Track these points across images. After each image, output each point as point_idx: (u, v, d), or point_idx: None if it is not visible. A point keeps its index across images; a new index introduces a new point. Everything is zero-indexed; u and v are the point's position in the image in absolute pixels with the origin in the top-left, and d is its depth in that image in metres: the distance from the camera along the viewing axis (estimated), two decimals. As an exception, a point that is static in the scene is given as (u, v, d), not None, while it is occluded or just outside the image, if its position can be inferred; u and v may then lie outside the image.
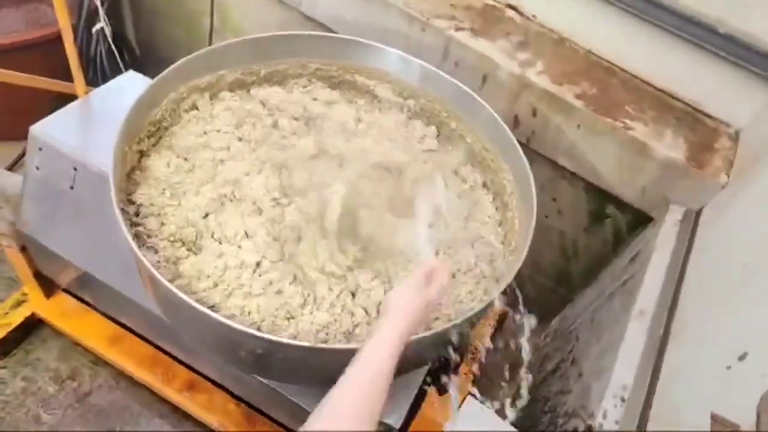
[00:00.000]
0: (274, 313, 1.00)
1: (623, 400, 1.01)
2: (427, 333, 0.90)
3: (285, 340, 0.87)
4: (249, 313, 0.99)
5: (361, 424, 0.68)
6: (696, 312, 1.11)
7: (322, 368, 0.95)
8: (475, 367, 1.40)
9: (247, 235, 1.09)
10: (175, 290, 0.87)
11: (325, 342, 0.97)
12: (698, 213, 1.44)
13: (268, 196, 1.14)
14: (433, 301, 0.86)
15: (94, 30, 2.02)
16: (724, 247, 1.23)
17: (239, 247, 1.07)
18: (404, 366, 1.09)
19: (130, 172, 1.13)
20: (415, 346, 0.94)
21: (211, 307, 0.97)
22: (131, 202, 1.11)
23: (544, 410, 1.38)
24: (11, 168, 2.15)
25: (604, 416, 1.01)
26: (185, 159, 1.20)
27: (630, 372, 1.06)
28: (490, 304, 1.00)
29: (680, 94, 1.61)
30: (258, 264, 1.06)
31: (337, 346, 0.93)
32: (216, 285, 1.02)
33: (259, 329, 0.95)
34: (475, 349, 1.45)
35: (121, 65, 2.16)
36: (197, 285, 1.01)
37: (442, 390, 1.34)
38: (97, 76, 2.19)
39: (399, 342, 0.78)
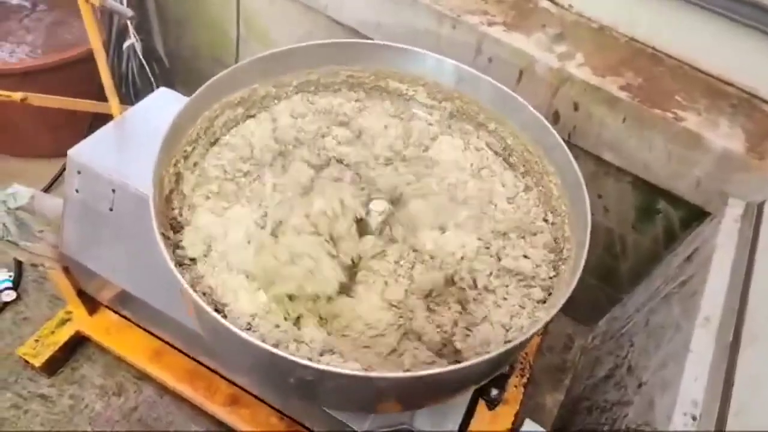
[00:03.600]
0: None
1: (694, 418, 0.94)
2: (481, 359, 0.85)
3: (334, 369, 0.83)
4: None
5: None
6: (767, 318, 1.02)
7: (371, 395, 0.92)
8: (525, 379, 1.35)
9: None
10: (220, 318, 0.85)
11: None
12: (760, 207, 1.34)
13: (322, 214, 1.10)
14: None
15: (124, 46, 2.03)
16: (793, 244, 1.14)
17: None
18: (454, 388, 1.06)
19: (169, 195, 1.11)
20: (467, 371, 0.90)
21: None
22: (172, 222, 1.10)
23: (601, 422, 1.32)
24: (50, 187, 2.19)
25: (674, 435, 0.94)
26: (225, 177, 1.18)
27: (700, 386, 0.98)
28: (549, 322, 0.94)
29: (734, 79, 1.51)
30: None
31: (388, 374, 0.89)
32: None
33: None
34: (524, 358, 1.40)
35: (152, 79, 2.17)
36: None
37: (493, 404, 1.30)
38: (129, 91, 2.20)
39: None
